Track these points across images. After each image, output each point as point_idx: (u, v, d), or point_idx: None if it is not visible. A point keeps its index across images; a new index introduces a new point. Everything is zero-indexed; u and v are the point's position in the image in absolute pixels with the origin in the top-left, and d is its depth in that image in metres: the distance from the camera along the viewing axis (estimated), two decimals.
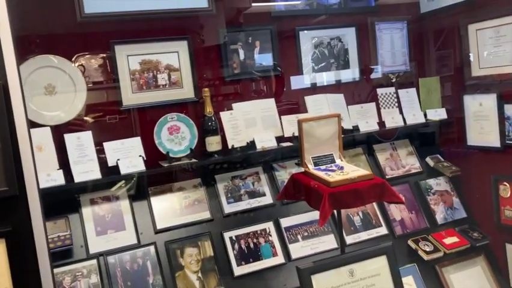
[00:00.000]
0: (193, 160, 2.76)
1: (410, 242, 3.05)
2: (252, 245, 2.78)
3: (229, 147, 2.84)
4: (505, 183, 3.10)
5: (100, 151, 2.63)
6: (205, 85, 2.93)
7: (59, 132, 2.57)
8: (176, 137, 2.77)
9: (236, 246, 2.76)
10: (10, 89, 1.47)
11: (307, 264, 2.23)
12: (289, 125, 3.00)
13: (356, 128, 3.21)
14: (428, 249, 3.00)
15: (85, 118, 2.70)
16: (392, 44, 3.52)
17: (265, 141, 2.91)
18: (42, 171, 2.43)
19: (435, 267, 3.04)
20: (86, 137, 2.60)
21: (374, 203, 3.10)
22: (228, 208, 2.87)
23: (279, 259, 2.79)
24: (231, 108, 2.94)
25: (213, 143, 2.81)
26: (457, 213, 3.30)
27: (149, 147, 2.72)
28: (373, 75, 3.50)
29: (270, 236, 2.85)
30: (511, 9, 2.96)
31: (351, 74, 3.40)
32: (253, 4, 3.08)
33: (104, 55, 2.74)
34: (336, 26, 3.36)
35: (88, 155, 2.57)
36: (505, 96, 3.09)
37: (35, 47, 2.53)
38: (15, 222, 1.49)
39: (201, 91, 2.86)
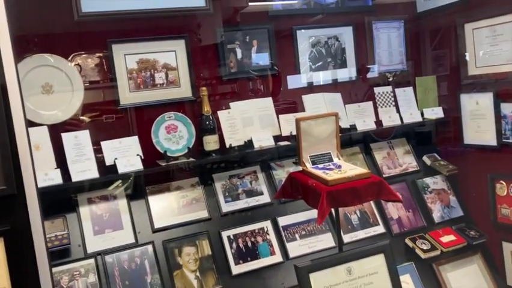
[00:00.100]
0: (191, 159, 2.76)
1: (407, 241, 3.07)
2: (249, 244, 2.79)
3: (227, 146, 2.84)
4: (502, 181, 3.12)
5: (98, 150, 2.63)
6: (202, 84, 2.93)
7: (56, 131, 2.56)
8: (174, 136, 2.77)
9: (234, 245, 2.76)
10: (8, 88, 1.47)
11: (305, 263, 2.23)
12: (287, 124, 3.00)
13: (353, 127, 3.21)
14: (425, 248, 3.01)
15: (82, 117, 2.69)
16: (389, 43, 3.53)
17: (263, 140, 2.91)
18: (39, 171, 2.40)
19: (432, 265, 3.05)
20: (84, 136, 2.59)
21: (372, 202, 3.11)
22: (226, 207, 2.87)
23: (277, 258, 2.79)
24: (228, 107, 2.94)
25: (211, 142, 2.81)
26: (453, 211, 3.32)
27: (147, 146, 2.72)
28: (370, 75, 3.50)
29: (268, 234, 2.85)
30: (507, 9, 2.97)
31: (348, 73, 3.41)
32: (250, 3, 3.08)
33: (101, 54, 2.73)
34: (334, 25, 3.36)
35: (86, 154, 2.57)
36: (502, 95, 3.11)
37: (32, 46, 2.52)
38: (13, 221, 1.49)
39: (198, 90, 2.86)
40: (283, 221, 2.91)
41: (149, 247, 2.62)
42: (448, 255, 3.08)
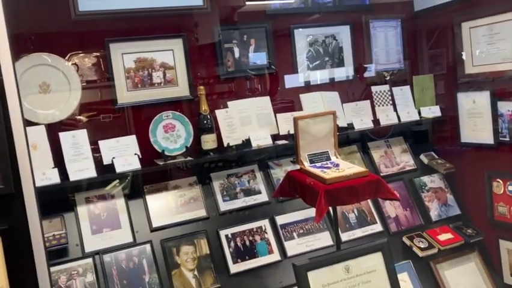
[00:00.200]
0: (189, 158, 2.76)
1: (404, 239, 3.07)
2: (247, 243, 2.79)
3: (225, 145, 2.84)
4: (498, 179, 3.13)
5: (95, 150, 2.63)
6: (200, 83, 2.92)
7: (54, 130, 2.56)
8: (172, 135, 2.77)
9: (232, 244, 2.76)
10: (6, 87, 1.46)
11: (303, 261, 2.23)
12: (285, 122, 3.01)
13: (351, 126, 3.22)
14: (422, 246, 3.02)
15: (80, 117, 2.69)
16: (386, 42, 3.54)
17: (261, 139, 2.91)
18: (37, 170, 2.39)
19: (429, 263, 3.06)
20: (81, 136, 2.59)
21: (369, 200, 3.12)
22: (224, 206, 2.87)
23: (275, 256, 2.80)
24: (226, 107, 2.94)
25: (209, 141, 2.81)
26: (451, 210, 3.33)
27: (145, 145, 2.72)
28: (367, 73, 3.51)
29: (266, 233, 2.85)
30: (504, 7, 2.98)
31: (345, 72, 3.42)
32: (247, 2, 3.08)
33: (99, 53, 2.73)
34: (331, 24, 3.36)
35: (83, 153, 2.56)
36: (498, 94, 3.12)
37: (30, 45, 2.52)
38: (11, 220, 1.49)
39: (196, 89, 2.85)
40: (281, 219, 2.91)
41: (147, 246, 2.62)
42: (445, 253, 3.08)
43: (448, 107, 3.48)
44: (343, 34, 3.39)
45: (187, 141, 2.79)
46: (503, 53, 3.05)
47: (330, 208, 2.41)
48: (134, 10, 2.74)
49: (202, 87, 2.82)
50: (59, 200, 2.57)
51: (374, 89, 3.39)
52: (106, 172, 2.59)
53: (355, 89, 3.47)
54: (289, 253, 2.81)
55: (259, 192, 2.97)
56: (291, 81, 3.25)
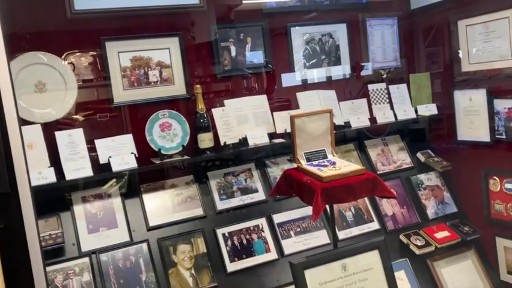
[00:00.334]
0: (185, 157, 2.75)
1: (401, 237, 3.08)
2: (244, 241, 2.79)
3: (222, 144, 2.84)
4: (495, 177, 3.14)
5: (92, 149, 2.62)
6: (196, 82, 2.92)
7: (50, 129, 2.55)
8: (168, 134, 2.77)
9: (229, 242, 2.76)
10: (1, 86, 1.45)
11: (300, 259, 2.23)
12: (282, 121, 3.01)
13: (347, 124, 3.22)
14: (419, 244, 3.02)
15: (76, 116, 2.68)
16: (383, 40, 3.54)
17: (258, 137, 2.91)
18: (33, 169, 2.41)
19: (426, 261, 3.06)
20: (78, 135, 2.58)
21: (366, 199, 3.12)
22: (221, 205, 2.86)
23: (272, 255, 2.80)
24: (223, 105, 2.94)
25: (205, 140, 2.80)
26: (447, 207, 3.33)
27: (141, 144, 2.71)
28: (364, 72, 3.51)
29: (263, 232, 2.85)
30: (500, 5, 2.98)
31: (342, 70, 3.41)
32: (244, 1, 3.08)
33: (95, 52, 2.72)
34: (328, 22, 3.36)
35: (79, 152, 2.56)
36: (495, 92, 3.12)
37: (25, 44, 2.51)
38: (6, 220, 1.48)
39: (192, 88, 2.85)
40: (278, 218, 2.91)
41: (144, 245, 2.62)
42: (442, 251, 3.09)
43: (444, 105, 3.48)
44: (340, 32, 3.38)
45: (183, 140, 2.78)
46: (499, 51, 3.06)
47: (327, 206, 2.41)
48: (130, 9, 2.73)
49: (198, 85, 2.82)
50: (55, 199, 2.56)
51: (370, 87, 3.39)
52: (102, 171, 2.59)
53: (352, 87, 3.48)
54: (287, 251, 2.81)
55: (256, 191, 2.97)
56: (287, 79, 3.25)
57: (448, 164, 3.40)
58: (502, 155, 3.11)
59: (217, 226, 2.79)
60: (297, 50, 3.26)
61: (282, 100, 3.24)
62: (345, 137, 3.37)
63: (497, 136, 3.10)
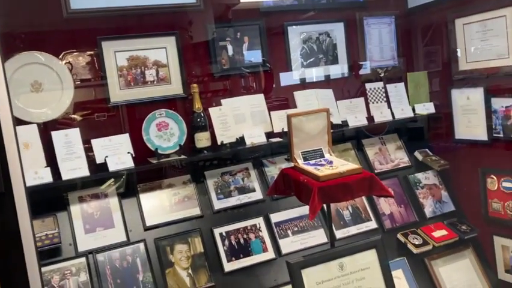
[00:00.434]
0: (182, 156, 2.75)
1: (399, 236, 3.07)
2: (242, 241, 2.78)
3: (219, 143, 2.83)
4: (493, 176, 3.14)
5: (88, 148, 2.61)
6: (193, 81, 2.91)
7: (46, 129, 2.55)
8: (165, 134, 2.76)
9: (226, 242, 2.75)
10: None
11: (297, 259, 2.22)
12: (279, 120, 3.00)
13: (345, 123, 3.21)
14: (417, 243, 3.02)
15: (73, 115, 2.67)
16: (380, 39, 3.53)
17: (255, 136, 2.90)
18: (29, 169, 2.41)
19: (424, 260, 3.06)
20: (74, 134, 2.57)
21: (364, 197, 3.12)
22: (218, 204, 2.86)
23: (270, 254, 2.79)
24: (220, 104, 2.93)
25: (202, 139, 2.80)
26: (445, 206, 3.33)
27: (138, 144, 2.71)
28: (362, 71, 3.50)
29: (260, 231, 2.85)
30: (497, 3, 2.98)
31: (339, 69, 3.41)
32: (241, 0, 3.06)
33: (92, 52, 2.71)
34: (325, 21, 3.36)
35: (76, 152, 2.55)
36: (492, 90, 3.12)
37: (21, 44, 2.50)
38: (1, 220, 1.47)
39: (189, 87, 2.84)
40: (275, 217, 2.91)
41: (141, 245, 2.61)
42: (440, 250, 3.09)
43: (442, 103, 3.48)
44: (337, 31, 3.38)
45: (180, 140, 2.77)
46: (496, 49, 3.05)
47: (324, 205, 2.40)
48: (127, 8, 2.73)
49: (195, 85, 2.81)
50: (51, 199, 2.55)
51: (368, 86, 3.38)
52: (99, 171, 2.58)
53: (349, 86, 3.47)
54: (284, 251, 2.81)
55: (254, 190, 2.96)
56: (285, 78, 3.24)
57: (445, 162, 3.40)
58: (499, 154, 3.11)
59: (215, 226, 2.79)
60: (294, 49, 3.25)
61: (280, 99, 3.23)
62: (343, 136, 3.36)
63: (494, 135, 3.10)
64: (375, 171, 3.29)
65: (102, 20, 2.72)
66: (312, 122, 2.38)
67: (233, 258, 2.72)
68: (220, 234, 2.77)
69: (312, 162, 2.37)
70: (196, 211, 2.80)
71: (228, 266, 2.69)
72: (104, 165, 2.57)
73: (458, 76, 3.34)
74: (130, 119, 2.80)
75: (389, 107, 3.38)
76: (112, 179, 2.72)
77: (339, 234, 2.96)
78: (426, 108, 3.44)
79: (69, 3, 2.59)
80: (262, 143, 2.90)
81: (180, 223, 2.74)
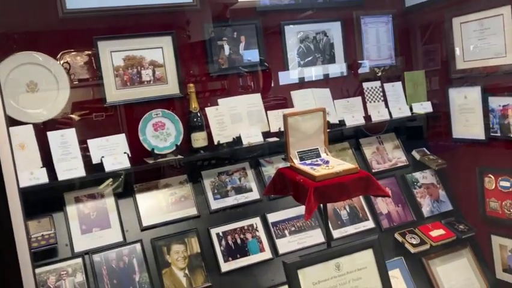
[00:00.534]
0: (179, 156, 2.74)
1: (396, 235, 3.07)
2: (239, 241, 2.78)
3: (215, 143, 2.82)
4: (490, 175, 3.13)
5: (85, 149, 2.60)
6: (190, 81, 2.90)
7: (42, 130, 2.54)
8: (162, 134, 2.75)
9: (223, 242, 2.75)
10: None
11: (293, 259, 2.22)
12: (276, 120, 2.99)
13: (342, 123, 3.20)
14: (414, 242, 3.01)
15: (69, 115, 2.66)
16: (378, 38, 3.53)
17: (252, 136, 2.90)
18: (25, 170, 2.40)
19: (422, 259, 3.06)
20: (70, 135, 2.56)
21: (361, 197, 3.11)
22: (215, 204, 2.85)
23: (266, 254, 2.78)
24: (216, 104, 2.92)
25: (199, 139, 2.79)
26: (443, 205, 3.32)
27: (135, 144, 2.70)
28: (359, 70, 3.49)
29: (257, 231, 2.84)
30: (495, 2, 2.97)
31: (336, 68, 3.40)
32: None
33: (88, 52, 2.70)
34: (322, 20, 3.35)
35: (72, 152, 2.54)
36: (489, 89, 3.12)
37: (15, 44, 2.49)
38: None
39: (186, 87, 2.83)
40: (272, 217, 2.90)
41: (138, 245, 2.61)
42: (437, 249, 3.08)
43: (440, 102, 3.47)
44: (334, 30, 3.37)
45: (177, 140, 2.77)
46: (494, 48, 3.05)
47: (321, 205, 2.40)
48: (123, 8, 2.72)
49: (191, 84, 2.80)
50: (47, 199, 2.54)
51: (365, 85, 3.38)
52: (95, 171, 2.57)
53: (347, 85, 3.46)
54: (281, 251, 2.80)
55: (251, 190, 2.96)
56: (281, 78, 3.24)
57: (443, 162, 3.39)
58: (497, 153, 3.11)
59: (211, 226, 2.78)
60: (291, 49, 3.25)
61: (277, 99, 3.23)
62: (341, 135, 3.35)
63: (492, 134, 3.10)
64: (373, 170, 3.28)
65: (98, 19, 2.72)
66: (308, 121, 2.38)
67: (230, 258, 2.71)
68: (217, 234, 2.76)
69: (308, 162, 2.37)
70: (192, 211, 2.79)
71: (225, 266, 2.68)
72: (100, 165, 2.57)
73: (455, 75, 3.33)
74: (126, 119, 2.80)
75: (387, 106, 3.38)
76: (111, 179, 2.71)
77: (336, 233, 2.96)
78: (424, 107, 3.43)
79: (65, 3, 2.59)
80: (259, 142, 2.90)
81: (177, 223, 2.74)
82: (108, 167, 2.55)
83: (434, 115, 3.48)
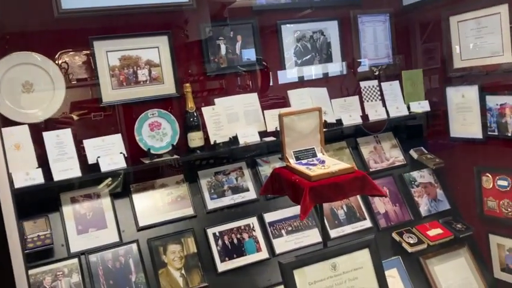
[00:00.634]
0: (175, 156, 2.73)
1: (394, 235, 3.06)
2: (235, 241, 2.77)
3: (212, 142, 2.81)
4: (488, 174, 3.12)
5: (81, 149, 2.60)
6: (186, 80, 2.89)
7: (37, 130, 2.53)
8: (158, 133, 2.75)
9: (220, 242, 2.74)
10: None
11: (289, 259, 2.21)
12: (273, 119, 2.98)
13: (339, 122, 3.19)
14: (411, 242, 3.01)
15: (65, 116, 2.66)
16: (375, 37, 3.51)
17: (248, 136, 2.89)
18: (20, 170, 2.40)
19: (419, 259, 3.05)
20: (66, 135, 2.56)
21: (358, 196, 3.10)
22: (212, 204, 2.85)
23: (263, 254, 2.78)
24: (213, 104, 2.91)
25: (195, 139, 2.78)
26: (440, 205, 3.31)
27: (131, 144, 2.70)
28: (356, 69, 3.48)
29: (254, 231, 2.83)
30: (492, 0, 2.96)
31: (333, 67, 3.39)
32: None
33: (83, 52, 2.70)
34: (319, 19, 3.34)
35: (68, 152, 2.54)
36: (487, 88, 3.11)
37: (11, 45, 2.49)
38: None
39: (182, 87, 2.82)
40: (269, 217, 2.89)
41: (134, 246, 2.60)
42: (435, 248, 3.07)
43: (437, 101, 3.46)
44: (331, 29, 3.36)
45: (173, 139, 2.76)
46: (491, 47, 3.04)
47: (318, 205, 2.39)
48: (118, 7, 2.72)
49: (188, 84, 2.80)
50: (43, 200, 2.54)
51: (362, 84, 3.37)
52: (91, 171, 2.56)
53: (344, 85, 3.45)
54: (278, 251, 2.80)
55: (247, 190, 2.95)
56: (278, 77, 3.23)
57: (440, 161, 3.38)
58: (494, 152, 3.10)
59: (208, 226, 2.77)
60: (288, 48, 3.24)
61: (274, 98, 3.22)
62: (338, 135, 3.34)
63: (489, 133, 3.09)
64: (370, 169, 3.28)
65: (93, 19, 2.71)
66: (304, 121, 2.37)
67: (226, 259, 2.71)
68: (214, 234, 2.76)
69: (304, 161, 2.36)
70: (189, 211, 2.79)
71: (222, 266, 2.68)
72: (96, 165, 2.56)
73: (453, 74, 3.32)
74: (122, 119, 2.79)
75: (384, 105, 3.36)
76: (110, 178, 2.71)
77: (333, 233, 2.95)
78: (422, 106, 3.42)
79: (60, 3, 2.58)
80: (255, 142, 2.89)
81: (173, 223, 2.73)
82: (104, 167, 2.55)
83: (432, 114, 3.47)
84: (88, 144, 2.60)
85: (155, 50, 2.84)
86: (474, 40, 3.14)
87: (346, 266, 2.28)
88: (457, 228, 3.17)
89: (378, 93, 3.38)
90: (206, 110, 2.85)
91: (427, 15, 3.51)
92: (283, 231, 2.87)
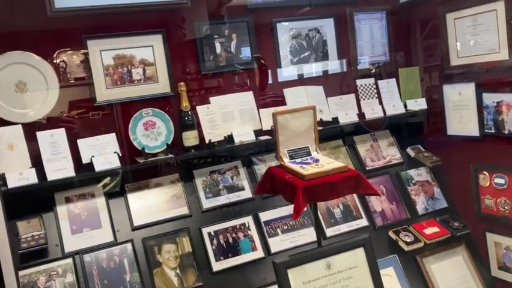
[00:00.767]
0: (170, 155, 2.72)
1: (390, 233, 3.05)
2: (231, 240, 2.76)
3: (207, 141, 2.80)
4: (485, 172, 3.11)
5: (75, 148, 2.59)
6: (181, 79, 2.88)
7: (31, 130, 2.52)
8: (152, 133, 2.74)
9: (215, 241, 2.73)
10: None
11: (283, 259, 2.20)
12: (268, 118, 2.96)
13: (336, 120, 3.18)
14: (408, 240, 2.99)
15: (59, 115, 2.65)
16: (371, 35, 3.50)
17: (243, 135, 2.88)
18: (14, 170, 2.39)
19: (416, 257, 3.03)
20: (59, 135, 2.55)
21: (354, 195, 3.09)
22: (207, 203, 2.84)
23: (259, 253, 2.77)
24: (208, 102, 2.90)
25: (190, 138, 2.77)
26: (437, 203, 3.30)
27: (125, 143, 2.69)
28: (352, 67, 3.47)
29: (249, 230, 2.82)
30: None
31: (330, 65, 3.38)
32: None
33: (77, 51, 2.69)
34: (314, 17, 3.32)
35: (62, 152, 2.53)
36: (484, 85, 3.09)
37: (3, 44, 2.48)
38: None
39: (177, 85, 2.81)
40: (264, 216, 2.88)
41: (129, 245, 2.59)
42: (432, 247, 3.06)
43: (434, 99, 3.44)
44: (327, 27, 3.35)
45: (167, 139, 2.75)
46: (487, 44, 3.02)
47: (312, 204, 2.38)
48: (112, 6, 2.71)
49: (182, 83, 2.79)
50: (37, 200, 2.53)
51: (358, 82, 3.34)
52: (85, 171, 2.55)
53: (340, 83, 3.44)
54: (273, 250, 2.78)
55: (243, 189, 2.94)
56: (274, 76, 3.22)
57: (437, 159, 3.37)
58: (491, 150, 3.08)
59: (203, 225, 2.76)
60: (283, 46, 3.22)
61: (269, 96, 3.21)
62: (335, 133, 3.32)
63: (486, 130, 3.07)
64: (367, 168, 3.26)
65: (87, 18, 2.70)
66: (298, 119, 2.36)
67: (221, 258, 2.70)
68: (209, 233, 2.75)
69: (298, 160, 2.35)
70: (184, 210, 2.78)
71: (217, 266, 2.67)
72: (90, 165, 2.55)
73: (449, 71, 3.30)
74: (116, 118, 2.78)
75: (380, 103, 3.35)
76: (108, 178, 2.70)
77: (329, 232, 2.94)
78: (418, 104, 3.41)
79: (53, 2, 2.57)
80: (250, 141, 2.88)
81: (168, 223, 2.72)
82: (98, 167, 2.54)
83: (429, 112, 3.45)
84: (82, 143, 2.59)
85: (149, 48, 2.83)
86: (471, 37, 3.13)
87: (341, 265, 2.26)
88: (454, 226, 3.15)
89: (375, 91, 3.36)
90: (201, 109, 2.84)
91: (424, 12, 3.49)
92: (278, 230, 2.86)
